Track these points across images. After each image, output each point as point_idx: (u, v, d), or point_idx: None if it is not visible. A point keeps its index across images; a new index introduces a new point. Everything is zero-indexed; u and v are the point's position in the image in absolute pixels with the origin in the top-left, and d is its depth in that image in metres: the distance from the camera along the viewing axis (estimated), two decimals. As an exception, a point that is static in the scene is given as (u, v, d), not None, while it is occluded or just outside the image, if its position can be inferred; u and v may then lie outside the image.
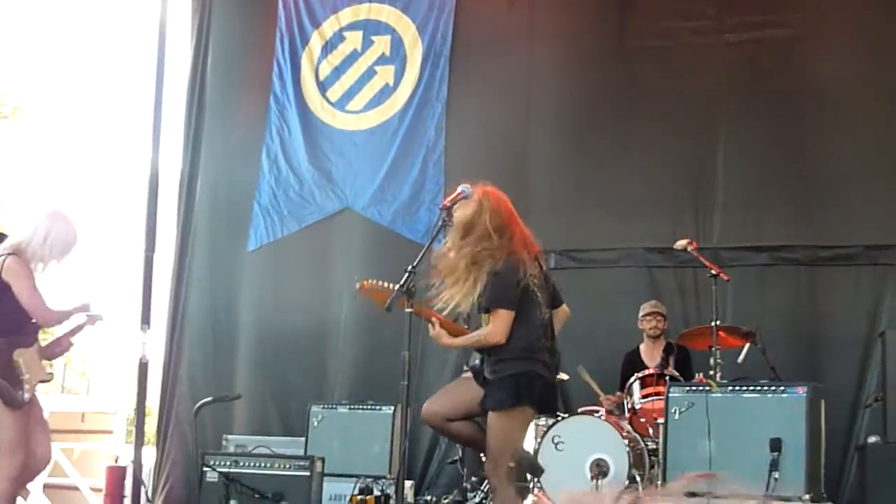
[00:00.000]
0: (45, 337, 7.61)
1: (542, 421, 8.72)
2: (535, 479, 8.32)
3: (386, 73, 11.83)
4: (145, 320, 10.49)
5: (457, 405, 6.34)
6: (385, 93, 11.79)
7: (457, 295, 5.99)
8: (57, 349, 7.35)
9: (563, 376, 9.05)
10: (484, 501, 8.93)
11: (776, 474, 7.25)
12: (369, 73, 11.89)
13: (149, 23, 11.96)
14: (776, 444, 7.32)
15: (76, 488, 11.84)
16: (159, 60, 11.46)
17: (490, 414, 6.08)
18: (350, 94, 11.92)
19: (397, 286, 5.79)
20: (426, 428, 10.00)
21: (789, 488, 7.25)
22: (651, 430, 8.85)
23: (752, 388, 7.70)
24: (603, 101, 10.87)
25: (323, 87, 12.02)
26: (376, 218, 11.39)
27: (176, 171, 12.28)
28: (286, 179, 11.82)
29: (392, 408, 9.45)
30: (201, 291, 11.82)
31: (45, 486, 11.64)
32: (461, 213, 6.09)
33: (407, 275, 5.76)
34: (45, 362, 7.13)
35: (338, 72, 12.01)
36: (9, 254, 6.89)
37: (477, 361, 6.31)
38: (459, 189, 6.10)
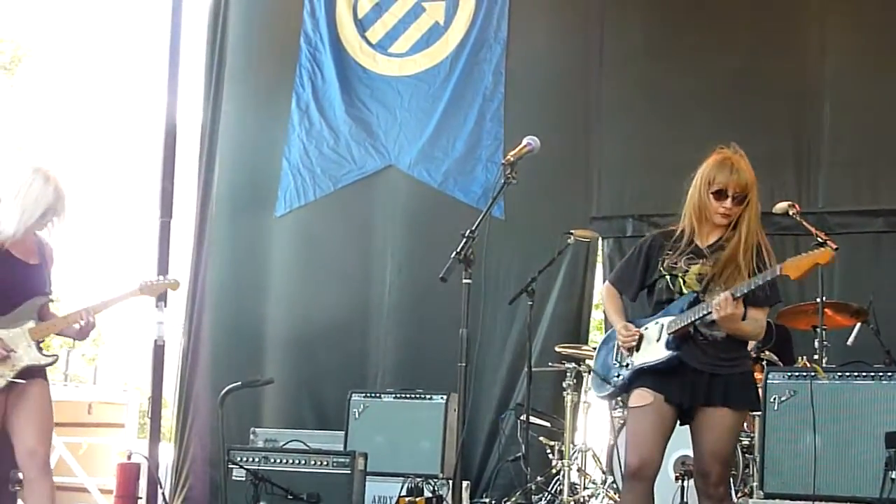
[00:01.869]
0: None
1: (619, 412, 8.71)
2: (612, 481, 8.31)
3: (436, 10, 11.81)
4: (161, 296, 10.54)
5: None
6: (434, 33, 11.79)
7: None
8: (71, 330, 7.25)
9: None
10: (551, 505, 8.97)
11: (893, 474, 7.13)
12: (416, 10, 11.89)
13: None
14: (893, 440, 7.20)
15: (84, 489, 11.92)
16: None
17: (721, 412, 6.03)
18: (394, 34, 11.94)
19: (454, 253, 5.77)
20: (482, 420, 10.06)
21: (909, 490, 7.17)
22: (746, 424, 8.81)
23: (864, 373, 7.57)
24: (686, 42, 10.83)
25: (362, 25, 12.02)
26: (424, 178, 11.39)
27: (195, 126, 12.33)
28: (319, 132, 11.85)
29: (444, 397, 9.47)
30: (224, 263, 11.89)
31: (48, 486, 11.73)
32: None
33: (464, 241, 5.73)
34: (44, 343, 7.12)
35: (379, 8, 12.02)
36: None
37: (624, 372, 6.25)
38: (525, 141, 6.05)
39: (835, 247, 8.44)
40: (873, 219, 10.02)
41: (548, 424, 9.37)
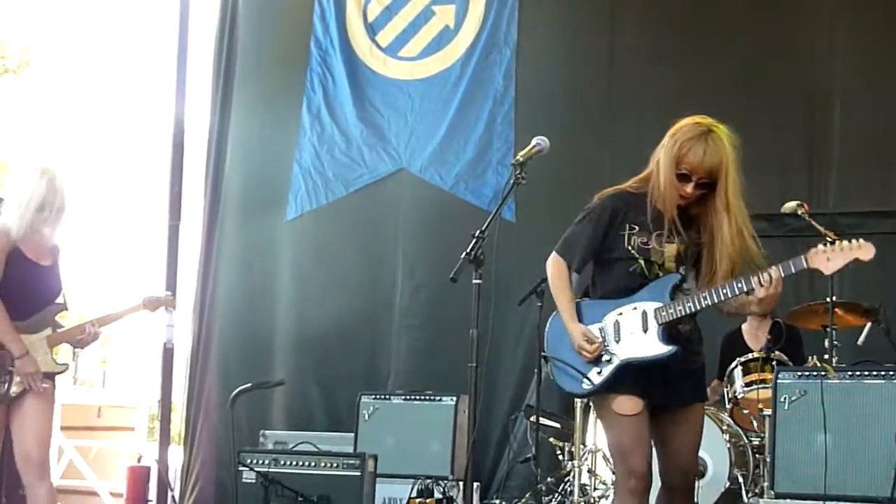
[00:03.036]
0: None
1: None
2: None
3: (445, 14, 11.85)
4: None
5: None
6: (445, 37, 11.83)
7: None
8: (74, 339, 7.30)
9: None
10: (562, 506, 8.99)
11: (904, 473, 7.20)
12: (426, 14, 11.92)
13: (171, -41, 12.05)
14: (903, 439, 7.28)
15: (94, 492, 11.98)
16: (183, 1, 11.58)
17: (699, 408, 5.93)
18: (404, 38, 11.97)
19: (464, 254, 5.78)
20: (493, 422, 10.08)
21: (919, 489, 7.19)
22: (756, 424, 8.83)
23: (875, 373, 7.55)
24: (695, 43, 10.87)
25: (372, 29, 12.06)
26: (436, 181, 11.43)
27: (203, 129, 12.37)
28: (331, 137, 11.89)
29: (454, 399, 9.52)
30: (234, 266, 11.92)
31: (58, 491, 11.75)
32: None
33: (474, 241, 5.72)
34: (54, 350, 7.12)
35: (389, 12, 12.06)
36: None
37: (605, 367, 5.75)
38: (535, 142, 6.05)
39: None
40: (884, 220, 9.98)
41: (558, 426, 9.38)
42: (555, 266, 5.99)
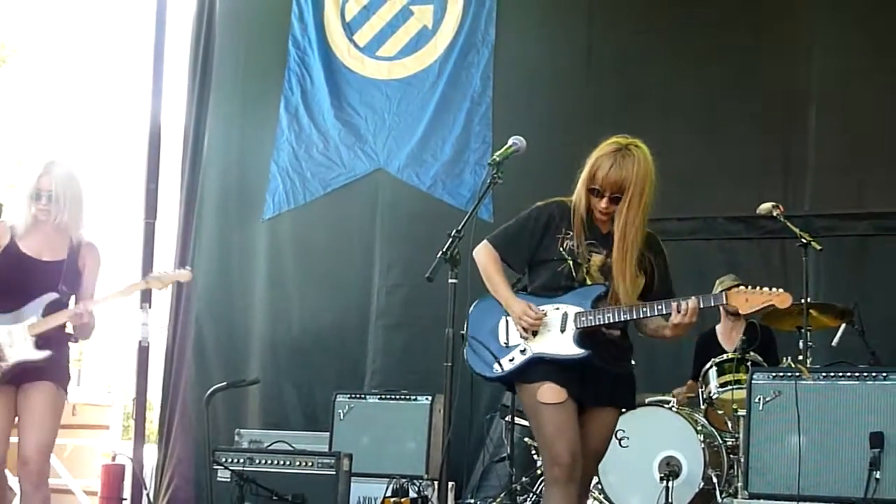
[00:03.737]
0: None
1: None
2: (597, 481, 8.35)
3: (423, 14, 11.86)
4: (145, 298, 10.59)
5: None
6: (423, 37, 11.84)
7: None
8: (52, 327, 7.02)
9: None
10: (536, 506, 8.99)
11: (878, 474, 7.21)
12: (404, 14, 11.93)
13: (149, -45, 12.01)
14: (877, 440, 7.28)
15: (69, 490, 11.96)
16: (161, -1, 11.57)
17: (610, 412, 5.94)
18: (381, 37, 11.98)
19: (440, 253, 5.79)
20: (469, 421, 10.09)
21: (893, 490, 7.22)
22: (730, 424, 8.87)
23: (849, 374, 7.60)
24: (673, 45, 10.89)
25: (350, 29, 12.07)
26: (413, 181, 11.45)
27: (180, 127, 12.36)
28: (308, 136, 11.89)
29: (429, 398, 9.55)
30: (210, 265, 11.92)
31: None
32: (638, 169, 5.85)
33: (451, 240, 5.74)
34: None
35: (367, 12, 12.06)
36: None
37: (517, 355, 5.84)
38: (511, 142, 6.07)
39: (819, 248, 8.59)
40: (859, 222, 10.09)
41: (533, 425, 9.38)
42: (486, 252, 6.03)
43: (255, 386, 10.41)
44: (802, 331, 8.41)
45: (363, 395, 9.91)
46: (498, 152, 6.04)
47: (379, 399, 9.81)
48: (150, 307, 10.72)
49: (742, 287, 5.72)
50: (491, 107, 11.34)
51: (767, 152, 10.50)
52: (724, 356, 9.13)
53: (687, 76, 10.76)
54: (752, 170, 10.44)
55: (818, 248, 8.53)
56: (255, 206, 11.88)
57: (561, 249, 5.84)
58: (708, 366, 9.13)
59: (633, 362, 6.07)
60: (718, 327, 9.84)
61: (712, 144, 10.61)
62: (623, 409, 6.07)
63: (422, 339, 10.52)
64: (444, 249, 5.72)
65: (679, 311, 5.64)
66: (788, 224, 8.56)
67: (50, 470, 7.04)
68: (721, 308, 9.70)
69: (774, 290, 5.64)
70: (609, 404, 5.90)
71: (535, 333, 5.79)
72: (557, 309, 5.81)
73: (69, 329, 7.05)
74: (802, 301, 8.36)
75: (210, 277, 11.86)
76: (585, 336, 5.74)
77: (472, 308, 6.06)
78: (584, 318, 5.74)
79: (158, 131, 11.51)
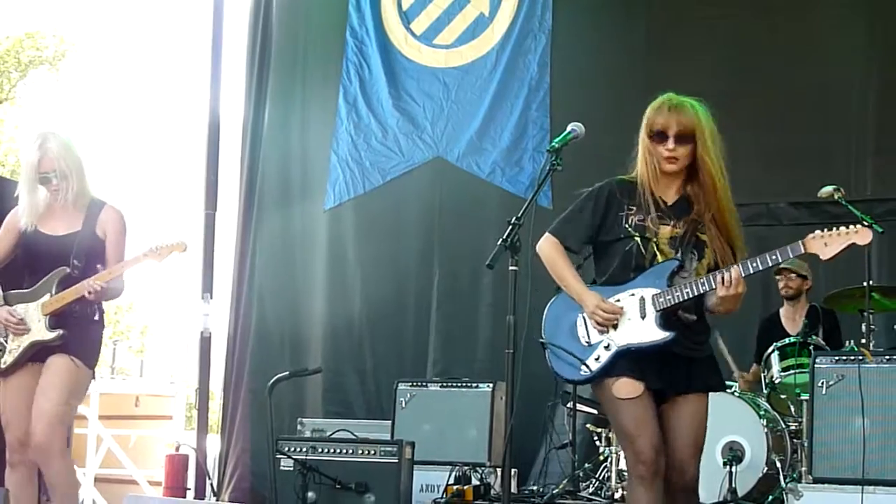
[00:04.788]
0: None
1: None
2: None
3: (480, 2, 11.88)
4: (207, 288, 10.71)
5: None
6: (479, 24, 11.86)
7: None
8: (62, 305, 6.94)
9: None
10: (599, 492, 9.01)
11: (942, 457, 7.23)
12: (460, 2, 11.95)
13: (206, -51, 12.12)
14: (942, 422, 7.30)
15: (133, 481, 12.07)
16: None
17: (697, 399, 5.64)
18: (438, 25, 12.01)
19: (500, 241, 5.75)
20: (531, 408, 10.12)
21: (957, 472, 7.21)
22: (793, 409, 8.88)
23: (913, 357, 7.60)
24: (733, 31, 10.87)
25: (407, 17, 12.10)
26: (473, 169, 11.48)
27: (239, 118, 12.44)
28: (367, 126, 11.95)
29: (490, 385, 9.54)
30: (271, 255, 12.01)
31: (97, 479, 11.88)
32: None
33: (511, 227, 5.66)
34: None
35: (424, 0, 12.07)
36: None
37: (603, 352, 5.58)
38: (570, 128, 6.01)
39: (881, 230, 8.53)
40: (919, 206, 10.05)
41: (595, 412, 9.40)
42: (548, 245, 5.85)
43: (317, 375, 10.44)
44: (865, 314, 8.42)
45: (425, 383, 9.91)
46: (556, 139, 5.95)
47: (440, 387, 9.81)
48: (211, 297, 10.82)
49: (818, 232, 5.37)
50: (549, 93, 11.34)
51: (829, 139, 10.48)
52: (787, 340, 9.11)
53: (746, 63, 10.73)
54: (815, 155, 10.40)
55: (880, 230, 8.47)
56: (316, 196, 11.96)
57: (627, 227, 5.63)
58: (770, 350, 9.14)
59: (710, 344, 5.81)
60: (781, 311, 9.83)
61: (777, 130, 10.57)
62: (708, 392, 5.72)
63: (483, 327, 10.56)
64: (505, 237, 5.60)
65: (723, 283, 5.36)
66: (850, 207, 8.52)
67: (60, 445, 6.87)
68: (780, 290, 9.72)
69: (852, 227, 5.35)
70: (694, 390, 5.63)
71: (615, 326, 5.56)
72: (633, 295, 5.59)
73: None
74: (865, 284, 8.37)
75: (271, 267, 11.94)
76: (667, 318, 5.51)
77: (546, 311, 5.91)
78: (661, 300, 5.49)
79: (218, 123, 11.62)
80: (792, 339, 9.07)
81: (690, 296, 5.45)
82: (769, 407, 8.86)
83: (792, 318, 9.72)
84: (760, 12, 10.78)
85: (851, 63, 10.48)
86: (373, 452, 8.30)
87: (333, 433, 9.37)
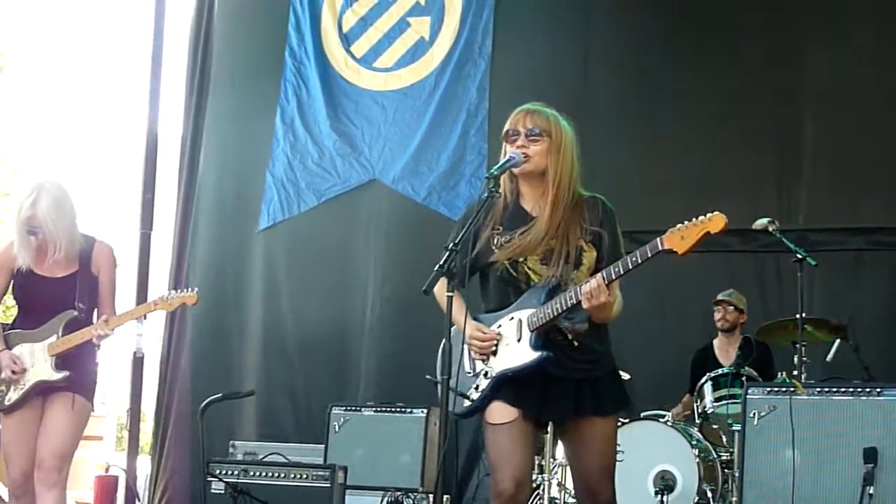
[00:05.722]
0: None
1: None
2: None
3: (420, 26, 11.90)
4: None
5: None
6: (419, 48, 11.89)
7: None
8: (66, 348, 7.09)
9: (626, 375, 9.08)
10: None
11: (871, 489, 7.22)
12: (401, 25, 11.97)
13: (147, -34, 12.09)
14: (871, 455, 7.29)
15: (61, 501, 11.95)
16: (158, 9, 11.58)
17: (592, 423, 5.37)
18: (378, 49, 12.02)
19: (437, 266, 5.63)
20: (464, 434, 10.11)
21: (886, 505, 7.25)
22: (725, 439, 8.93)
23: (843, 389, 7.61)
24: (669, 60, 10.95)
25: (347, 40, 12.11)
26: (409, 193, 11.48)
27: (176, 137, 12.39)
28: (304, 147, 11.93)
29: (425, 410, 9.55)
30: (206, 275, 11.92)
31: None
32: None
33: (448, 254, 5.48)
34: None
35: (364, 23, 12.10)
36: None
37: (482, 382, 5.36)
38: (508, 155, 5.84)
39: (814, 262, 8.60)
40: (853, 236, 10.15)
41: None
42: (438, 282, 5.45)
43: (251, 397, 10.41)
44: (797, 346, 8.48)
45: (358, 408, 9.90)
46: (495, 166, 5.75)
47: (374, 411, 9.81)
48: (145, 318, 10.74)
49: (678, 226, 5.07)
50: (487, 119, 11.34)
51: (762, 166, 10.56)
52: (720, 371, 9.16)
53: (681, 91, 10.82)
54: (748, 183, 10.47)
55: (813, 263, 8.57)
56: (251, 216, 11.92)
57: (494, 248, 5.40)
58: (703, 380, 9.18)
59: (609, 357, 5.48)
60: (715, 342, 9.92)
61: (708, 156, 10.65)
62: (608, 415, 5.43)
63: (417, 352, 10.55)
64: (441, 263, 5.25)
65: (586, 296, 5.09)
66: (784, 240, 8.60)
67: (63, 479, 6.99)
68: (716, 322, 9.81)
69: (705, 217, 5.04)
70: (595, 413, 5.34)
71: (494, 353, 5.34)
72: (512, 319, 5.35)
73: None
74: (797, 316, 8.43)
75: (205, 288, 11.68)
76: (544, 338, 5.25)
77: (440, 346, 5.52)
78: (534, 319, 5.24)
79: (155, 141, 11.58)
80: (725, 370, 9.12)
81: (560, 311, 5.20)
82: (701, 437, 8.89)
83: (725, 350, 9.80)
84: (696, 35, 10.90)
85: (786, 93, 10.57)
86: (305, 476, 8.30)
87: (265, 456, 9.35)
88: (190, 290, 7.30)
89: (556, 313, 5.19)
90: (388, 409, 9.78)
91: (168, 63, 11.95)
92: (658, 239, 5.06)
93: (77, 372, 7.02)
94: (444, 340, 5.35)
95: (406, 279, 10.71)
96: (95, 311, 7.15)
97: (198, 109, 12.31)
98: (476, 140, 11.37)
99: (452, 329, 5.35)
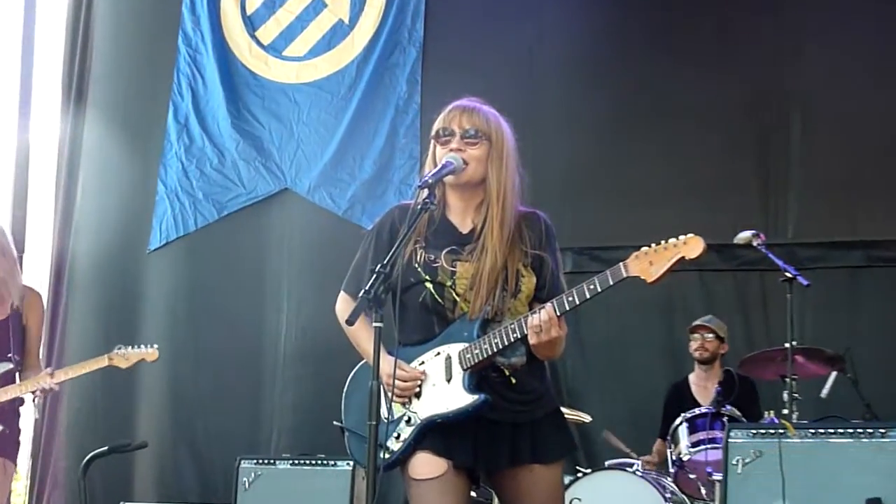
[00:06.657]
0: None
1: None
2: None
3: (339, 6, 11.91)
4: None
5: None
6: (338, 33, 11.90)
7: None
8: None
9: (585, 417, 9.14)
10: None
11: (875, 546, 7.34)
12: (316, 6, 11.98)
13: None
14: (875, 506, 7.44)
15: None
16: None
17: (531, 471, 5.26)
18: (289, 34, 12.03)
19: (362, 292, 5.48)
20: (396, 489, 10.15)
21: (892, 565, 7.31)
22: (703, 490, 8.97)
23: (841, 430, 7.69)
24: (635, 55, 11.06)
25: (251, 23, 12.08)
26: (327, 204, 11.50)
27: (53, 144, 12.32)
28: (201, 150, 11.91)
29: (350, 463, 9.50)
30: (87, 306, 11.90)
31: None
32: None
33: (374, 276, 5.30)
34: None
35: (272, 4, 12.10)
36: None
37: (404, 429, 5.24)
38: (445, 161, 5.62)
39: (807, 282, 8.68)
40: (850, 251, 10.26)
41: (473, 494, 9.44)
42: (343, 307, 5.58)
43: (143, 450, 10.36)
44: (787, 380, 8.50)
45: (272, 461, 9.84)
46: (429, 173, 5.33)
47: (291, 465, 9.76)
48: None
49: (642, 249, 4.97)
50: (419, 116, 11.34)
51: (743, 173, 10.68)
52: (697, 410, 9.17)
53: (649, 90, 10.92)
54: (727, 190, 10.51)
55: (805, 283, 8.58)
56: (140, 234, 11.87)
57: (417, 268, 5.27)
58: (678, 422, 9.19)
59: (549, 397, 5.39)
60: (691, 377, 9.96)
61: (680, 160, 10.68)
62: (551, 463, 5.30)
63: (339, 393, 10.55)
64: (367, 287, 5.04)
65: (534, 329, 4.99)
66: (770, 256, 8.62)
67: None
68: (693, 353, 9.85)
69: (679, 238, 4.97)
70: (523, 462, 5.22)
71: (417, 395, 5.23)
72: (438, 354, 5.23)
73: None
74: (786, 346, 8.48)
75: (87, 321, 11.80)
76: (478, 377, 5.14)
77: (346, 385, 5.64)
78: (468, 355, 5.11)
79: (27, 151, 11.50)
80: (703, 410, 9.15)
81: (500, 347, 5.09)
82: (676, 488, 8.93)
83: (703, 386, 9.84)
84: (667, 36, 11.01)
85: (772, 88, 10.68)
86: (209, 543, 8.31)
87: (162, 521, 9.35)
88: (149, 346, 7.76)
89: (495, 349, 5.09)
90: (308, 462, 9.72)
91: (41, 54, 11.90)
92: (621, 264, 4.97)
93: (7, 432, 7.28)
94: (371, 381, 5.07)
95: (326, 306, 10.58)
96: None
97: (76, 111, 12.22)
98: (406, 141, 11.39)
99: (358, 365, 5.42)
